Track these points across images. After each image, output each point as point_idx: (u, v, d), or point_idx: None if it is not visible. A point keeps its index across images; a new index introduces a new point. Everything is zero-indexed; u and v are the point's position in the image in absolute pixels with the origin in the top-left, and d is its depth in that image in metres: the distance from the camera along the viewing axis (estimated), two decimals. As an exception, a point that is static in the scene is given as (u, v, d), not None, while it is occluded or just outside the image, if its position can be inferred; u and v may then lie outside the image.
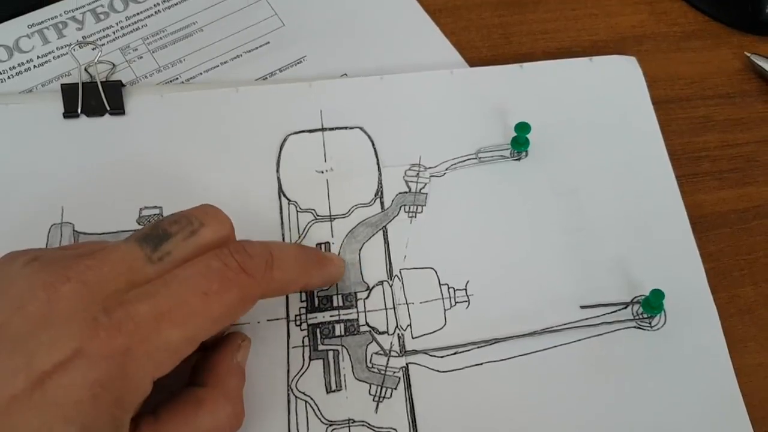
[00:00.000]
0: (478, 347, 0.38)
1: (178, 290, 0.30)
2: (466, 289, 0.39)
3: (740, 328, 0.40)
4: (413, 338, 0.38)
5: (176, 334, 0.29)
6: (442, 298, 0.39)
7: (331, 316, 0.39)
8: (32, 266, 0.30)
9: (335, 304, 0.39)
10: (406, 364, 0.37)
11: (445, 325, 0.38)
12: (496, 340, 0.38)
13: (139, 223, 0.41)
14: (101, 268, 0.29)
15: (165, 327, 0.29)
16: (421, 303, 0.39)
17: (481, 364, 0.37)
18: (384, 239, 0.41)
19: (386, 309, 0.39)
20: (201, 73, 0.47)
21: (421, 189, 0.42)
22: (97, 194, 0.42)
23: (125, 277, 0.30)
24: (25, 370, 0.27)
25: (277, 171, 0.42)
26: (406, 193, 0.42)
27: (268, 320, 0.38)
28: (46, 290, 0.28)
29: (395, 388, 0.37)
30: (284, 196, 0.42)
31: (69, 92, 0.45)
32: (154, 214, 0.41)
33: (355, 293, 0.39)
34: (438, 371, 0.37)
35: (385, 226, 0.41)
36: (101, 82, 0.45)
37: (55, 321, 0.28)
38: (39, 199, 0.42)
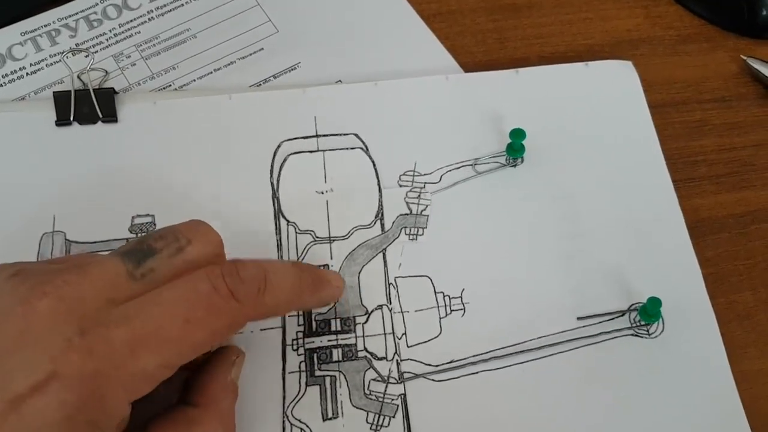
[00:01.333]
0: (473, 364, 0.37)
1: (159, 314, 0.29)
2: (461, 298, 0.39)
3: (739, 334, 0.39)
4: (408, 347, 0.38)
5: (152, 361, 0.28)
6: (438, 307, 0.39)
7: (328, 340, 0.38)
8: (14, 280, 0.29)
9: (333, 328, 0.38)
10: (402, 372, 0.37)
11: (440, 333, 0.38)
12: (494, 356, 0.37)
13: (131, 232, 0.40)
14: (80, 284, 0.28)
15: (140, 353, 0.28)
16: (416, 311, 0.39)
17: (477, 373, 0.37)
18: (384, 262, 0.40)
19: (385, 334, 0.38)
20: (194, 80, 0.46)
21: (422, 211, 0.41)
22: (89, 202, 0.41)
23: (105, 293, 0.29)
24: (2, 391, 0.26)
25: (276, 191, 0.42)
26: (407, 215, 0.41)
27: (261, 330, 0.38)
28: (23, 306, 0.27)
29: (393, 417, 0.36)
30: (283, 216, 0.41)
31: (61, 100, 0.44)
32: (147, 222, 0.41)
33: (354, 317, 0.39)
34: (433, 381, 0.37)
35: (385, 249, 0.41)
36: (94, 89, 0.44)
37: (31, 340, 0.27)
38: (30, 208, 0.41)
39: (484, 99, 0.45)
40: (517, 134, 0.41)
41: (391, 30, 0.49)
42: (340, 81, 0.46)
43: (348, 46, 0.48)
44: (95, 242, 0.40)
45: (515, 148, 0.42)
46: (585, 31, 0.50)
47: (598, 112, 0.45)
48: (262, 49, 0.48)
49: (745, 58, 0.48)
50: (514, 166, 0.43)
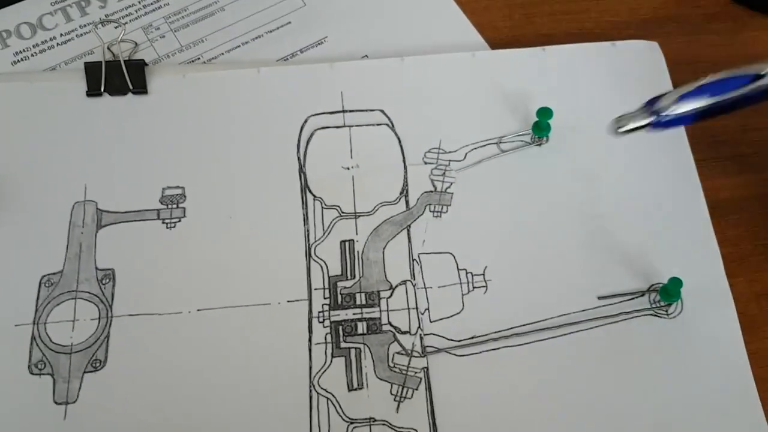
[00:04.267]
0: (494, 340, 0.38)
1: None
2: (484, 275, 0.40)
3: (758, 313, 0.40)
4: (431, 322, 0.39)
5: None
6: (460, 283, 0.39)
7: (353, 314, 0.39)
8: None
9: (358, 302, 0.39)
10: (425, 346, 0.38)
11: (462, 309, 0.39)
12: (515, 333, 0.38)
13: (161, 203, 0.41)
14: None
15: None
16: (439, 287, 0.39)
17: (498, 349, 0.38)
18: (408, 238, 0.41)
19: (409, 309, 0.39)
20: (222, 53, 0.47)
21: (446, 188, 0.42)
22: (121, 173, 0.42)
23: None
24: None
25: (303, 166, 0.42)
26: (431, 192, 0.42)
27: (288, 301, 0.39)
28: None
29: (416, 389, 0.37)
30: (309, 191, 0.42)
31: (92, 71, 0.45)
32: (177, 194, 0.42)
33: (378, 292, 0.39)
34: (455, 355, 0.38)
35: (409, 225, 0.41)
36: (124, 61, 0.45)
37: None
38: (62, 177, 0.42)
39: (510, 76, 0.45)
40: (545, 113, 0.42)
41: (418, 4, 0.49)
42: (366, 56, 0.47)
43: (374, 21, 0.48)
44: (127, 212, 0.41)
45: (542, 126, 0.42)
46: (612, 9, 0.49)
47: (623, 92, 0.44)
48: (290, 23, 0.48)
49: (771, 38, 0.48)
50: (539, 144, 0.43)
